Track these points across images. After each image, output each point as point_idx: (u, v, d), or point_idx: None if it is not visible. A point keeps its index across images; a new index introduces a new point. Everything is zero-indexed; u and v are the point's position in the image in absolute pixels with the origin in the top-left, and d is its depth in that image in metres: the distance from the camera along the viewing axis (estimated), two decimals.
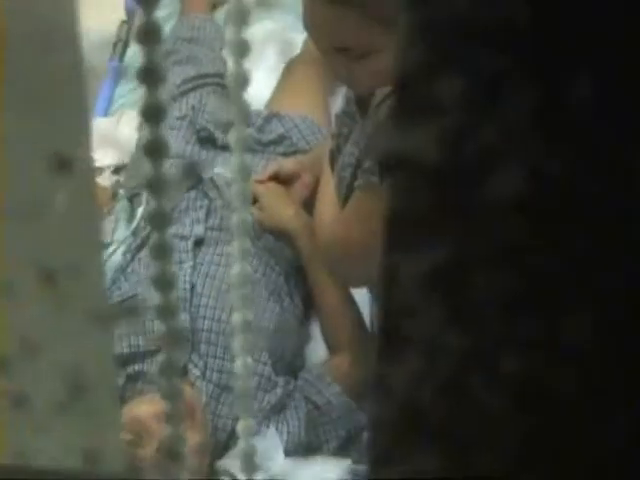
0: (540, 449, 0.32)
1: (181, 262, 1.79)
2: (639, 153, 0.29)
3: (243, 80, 0.57)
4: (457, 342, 0.32)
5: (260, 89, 2.15)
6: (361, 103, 1.56)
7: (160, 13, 0.47)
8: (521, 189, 0.31)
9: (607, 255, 0.31)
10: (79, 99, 0.40)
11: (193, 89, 2.13)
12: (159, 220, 0.49)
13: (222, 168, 1.96)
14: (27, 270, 0.39)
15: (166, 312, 0.48)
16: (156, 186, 0.49)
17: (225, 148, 2.02)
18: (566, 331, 0.32)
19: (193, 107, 2.09)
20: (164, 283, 0.49)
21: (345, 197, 1.55)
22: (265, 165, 1.98)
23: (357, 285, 1.73)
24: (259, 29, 2.20)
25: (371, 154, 1.42)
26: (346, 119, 1.61)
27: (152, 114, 0.47)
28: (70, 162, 0.38)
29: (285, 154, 2.04)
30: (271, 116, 2.09)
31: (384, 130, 1.38)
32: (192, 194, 1.93)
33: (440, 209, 0.32)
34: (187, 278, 1.77)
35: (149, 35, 0.44)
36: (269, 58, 2.24)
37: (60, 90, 0.38)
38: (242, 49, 0.56)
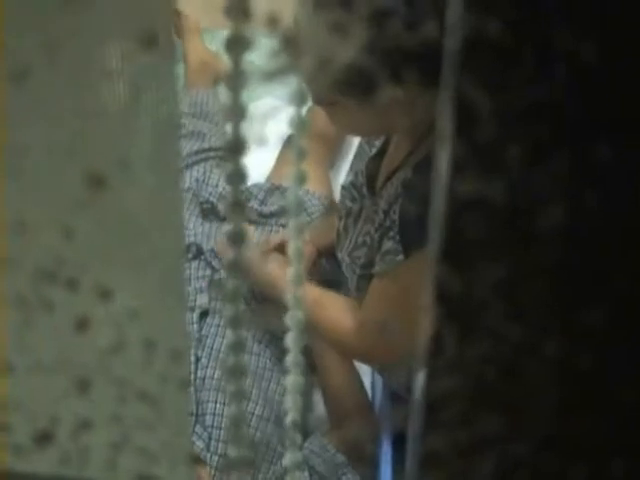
0: None
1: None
2: None
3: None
4: None
5: (261, 163, 2.16)
6: (370, 176, 1.55)
7: None
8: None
9: None
10: None
11: (197, 162, 2.14)
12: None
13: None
14: None
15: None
16: None
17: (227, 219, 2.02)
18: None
19: (197, 180, 2.09)
20: None
21: (358, 280, 1.52)
22: (268, 236, 1.97)
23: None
24: (260, 105, 2.21)
25: (395, 232, 1.39)
26: (353, 192, 1.60)
27: None
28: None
29: (285, 226, 2.04)
30: (273, 188, 2.09)
31: (409, 206, 1.36)
32: (195, 264, 1.92)
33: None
34: (192, 350, 1.75)
35: None
36: (270, 132, 2.25)
37: None
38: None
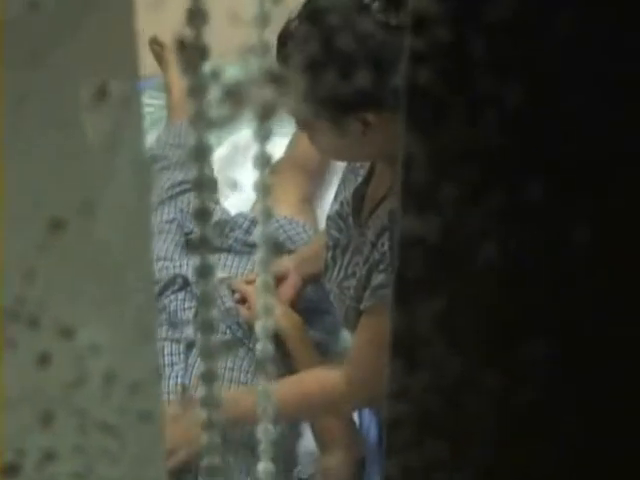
0: None
1: (172, 364, 1.79)
2: None
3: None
4: None
5: (246, 193, 2.18)
6: (356, 206, 1.57)
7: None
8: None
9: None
10: None
11: (181, 193, 2.16)
12: None
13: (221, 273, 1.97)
14: None
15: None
16: None
17: (218, 250, 2.04)
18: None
19: (182, 210, 2.12)
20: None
21: (347, 310, 1.52)
22: (253, 266, 1.99)
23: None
24: (242, 136, 2.23)
25: (386, 265, 1.39)
26: (339, 222, 1.61)
27: None
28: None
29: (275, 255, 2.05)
30: (257, 218, 2.11)
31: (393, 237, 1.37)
32: (180, 295, 1.94)
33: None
34: (179, 380, 1.77)
35: None
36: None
37: None
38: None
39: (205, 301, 0.57)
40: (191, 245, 2.07)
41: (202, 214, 0.59)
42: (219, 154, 2.29)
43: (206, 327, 0.57)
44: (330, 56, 1.20)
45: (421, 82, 0.37)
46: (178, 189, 2.16)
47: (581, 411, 0.40)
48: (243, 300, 1.87)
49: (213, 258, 0.58)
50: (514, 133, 0.37)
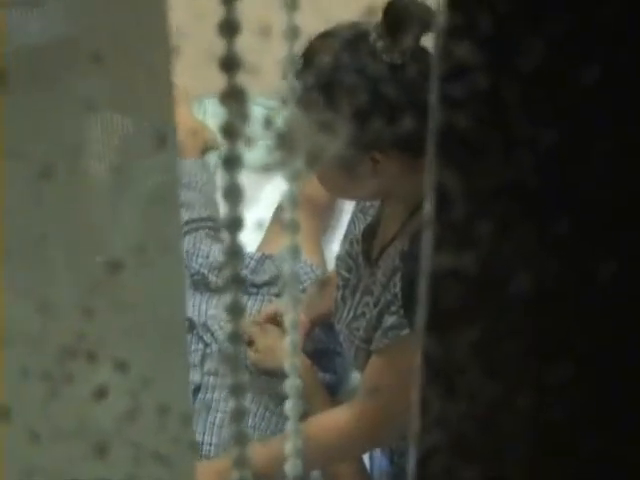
0: None
1: None
2: None
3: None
4: None
5: (252, 232, 2.21)
6: (366, 245, 1.59)
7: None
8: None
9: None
10: None
11: (186, 233, 2.20)
12: None
13: (216, 311, 1.99)
14: None
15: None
16: None
17: (218, 291, 2.06)
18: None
19: (187, 251, 2.15)
20: None
21: (357, 351, 1.53)
22: (260, 307, 2.01)
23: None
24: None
25: (398, 306, 1.42)
26: (349, 261, 1.63)
27: None
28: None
29: (279, 295, 2.07)
30: (264, 258, 2.14)
31: (409, 279, 1.38)
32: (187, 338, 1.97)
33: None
34: None
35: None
36: (260, 201, 2.31)
37: None
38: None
39: (235, 340, 0.59)
40: (200, 284, 2.09)
41: (234, 254, 0.61)
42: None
43: (236, 389, 0.58)
44: (341, 97, 1.25)
45: (456, 125, 0.41)
46: (184, 229, 2.20)
47: (613, 432, 0.44)
48: (250, 343, 1.88)
49: (243, 298, 0.61)
50: (546, 172, 0.42)
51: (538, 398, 0.45)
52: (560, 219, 0.42)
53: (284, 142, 0.47)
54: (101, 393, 0.43)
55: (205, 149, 2.54)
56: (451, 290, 0.45)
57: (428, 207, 0.46)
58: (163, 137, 0.46)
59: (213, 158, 2.51)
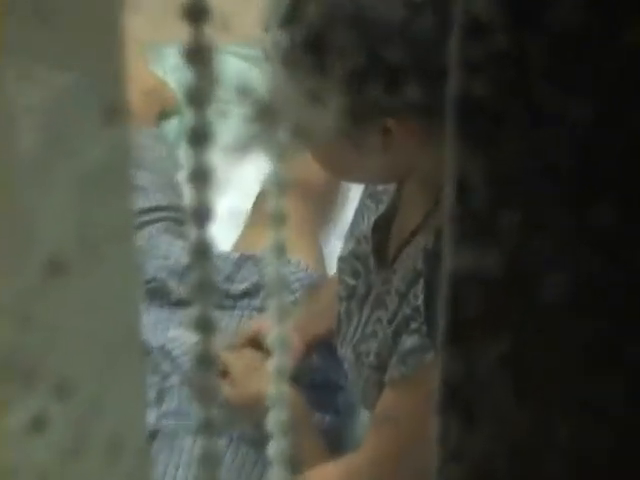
0: None
1: None
2: None
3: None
4: None
5: (226, 226, 2.21)
6: (379, 243, 1.60)
7: None
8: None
9: None
10: None
11: (139, 227, 2.19)
12: None
13: (178, 331, 2.01)
14: None
15: None
16: None
17: (181, 304, 2.06)
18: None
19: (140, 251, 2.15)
20: None
21: (366, 384, 1.55)
22: (237, 325, 2.03)
23: None
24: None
25: (419, 323, 1.44)
26: (356, 264, 1.65)
27: None
28: None
29: (264, 309, 2.05)
30: (243, 259, 2.15)
31: (435, 286, 1.39)
32: None
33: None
34: None
35: None
36: (237, 186, 2.29)
37: None
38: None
39: (205, 366, 0.60)
40: (157, 295, 2.07)
41: (202, 254, 0.61)
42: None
43: (207, 429, 0.60)
44: (340, 47, 1.28)
45: (476, 93, 0.46)
46: (149, 217, 2.22)
47: None
48: (223, 373, 1.84)
49: (215, 314, 0.61)
50: (581, 150, 0.46)
51: (580, 425, 0.48)
52: (599, 206, 0.46)
53: (267, 110, 0.51)
54: (38, 424, 0.47)
55: (163, 114, 2.54)
56: (473, 295, 0.49)
57: (448, 192, 0.50)
58: (111, 101, 0.50)
59: (174, 127, 2.53)
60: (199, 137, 0.55)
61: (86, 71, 0.52)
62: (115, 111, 0.51)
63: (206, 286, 0.58)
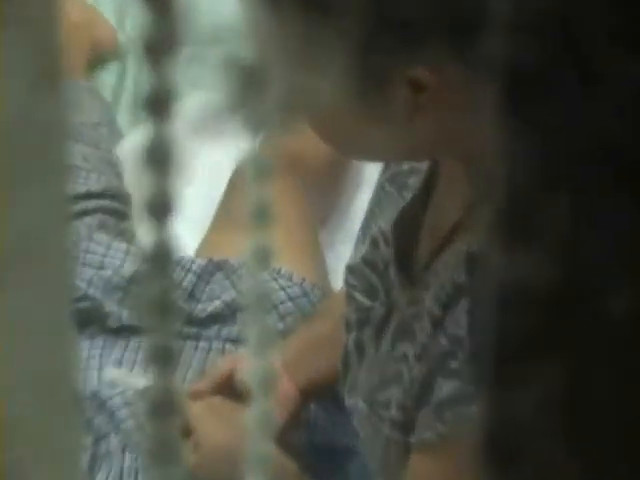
0: None
1: None
2: None
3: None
4: None
5: (188, 225, 2.22)
6: (403, 246, 1.60)
7: None
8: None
9: None
10: None
11: (80, 215, 2.22)
12: None
13: (117, 371, 2.04)
14: None
15: None
16: None
17: (122, 331, 2.07)
18: None
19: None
20: None
21: (387, 447, 1.55)
22: (203, 362, 2.06)
23: None
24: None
25: (460, 360, 1.45)
26: (371, 276, 1.66)
27: None
28: None
29: (240, 340, 2.06)
30: (211, 269, 2.18)
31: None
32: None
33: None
34: None
35: None
36: (206, 168, 2.28)
37: None
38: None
39: (162, 415, 0.61)
40: (88, 319, 2.08)
41: (157, 261, 0.60)
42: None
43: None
44: None
45: (527, 59, 0.49)
46: (78, 208, 2.23)
47: None
48: (185, 432, 1.84)
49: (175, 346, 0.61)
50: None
51: None
52: None
53: (249, 66, 0.51)
54: None
55: (97, 60, 2.55)
56: (524, 315, 0.52)
57: (494, 177, 0.53)
58: (40, 52, 0.54)
59: (112, 78, 2.55)
60: (158, 100, 0.55)
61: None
62: (45, 58, 0.54)
63: (166, 306, 0.57)
